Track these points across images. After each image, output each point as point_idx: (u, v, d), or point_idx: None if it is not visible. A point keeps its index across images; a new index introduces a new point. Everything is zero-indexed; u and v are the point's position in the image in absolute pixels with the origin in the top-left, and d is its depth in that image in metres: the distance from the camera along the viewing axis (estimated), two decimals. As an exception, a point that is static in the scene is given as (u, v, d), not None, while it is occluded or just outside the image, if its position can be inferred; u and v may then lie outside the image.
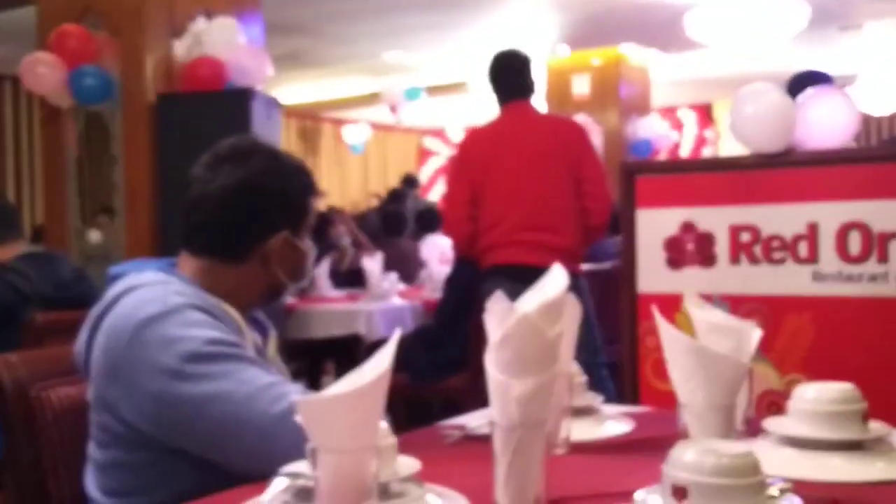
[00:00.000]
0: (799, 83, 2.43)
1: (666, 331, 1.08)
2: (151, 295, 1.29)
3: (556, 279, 1.01)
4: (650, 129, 8.90)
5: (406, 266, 5.70)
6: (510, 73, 3.65)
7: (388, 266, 5.06)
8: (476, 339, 3.76)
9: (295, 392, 1.23)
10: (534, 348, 0.95)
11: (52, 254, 2.81)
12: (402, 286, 5.16)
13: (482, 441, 1.35)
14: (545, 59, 8.75)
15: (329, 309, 4.56)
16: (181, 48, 4.28)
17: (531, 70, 3.70)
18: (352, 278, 5.68)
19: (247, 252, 1.42)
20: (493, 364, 0.95)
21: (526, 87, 3.66)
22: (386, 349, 0.89)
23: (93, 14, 4.26)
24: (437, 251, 5.75)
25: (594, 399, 1.45)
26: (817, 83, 2.44)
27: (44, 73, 4.08)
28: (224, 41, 4.24)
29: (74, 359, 1.36)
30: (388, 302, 4.65)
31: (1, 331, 2.40)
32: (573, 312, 1.25)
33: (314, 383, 4.99)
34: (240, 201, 1.40)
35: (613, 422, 1.43)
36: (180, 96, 4.19)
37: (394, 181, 13.68)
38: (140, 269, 1.39)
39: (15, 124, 9.99)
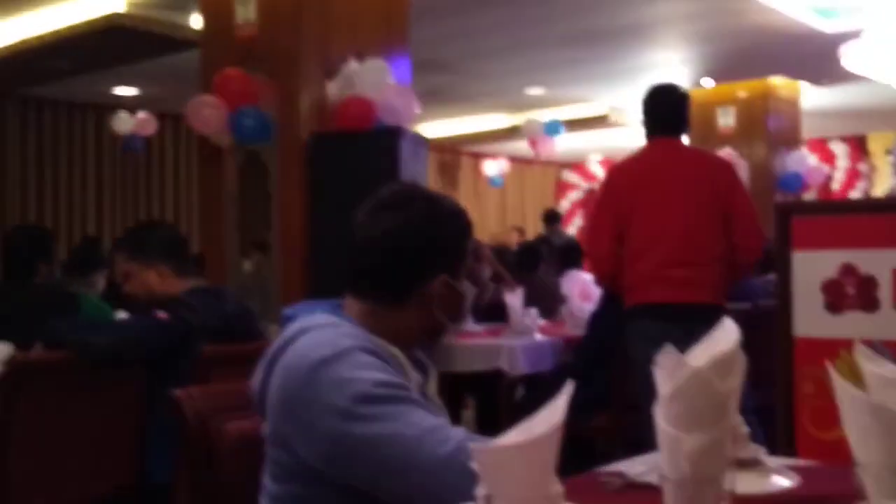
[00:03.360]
0: None
1: (841, 387, 1.05)
2: (323, 337, 1.35)
3: (727, 332, 1.01)
4: (800, 162, 8.61)
5: (545, 301, 5.69)
6: (665, 108, 3.60)
7: (527, 301, 5.06)
8: (619, 380, 3.72)
9: (460, 434, 1.26)
10: (706, 403, 0.95)
11: (220, 288, 2.96)
12: (542, 322, 5.14)
13: (643, 489, 1.35)
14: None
15: (471, 344, 4.59)
16: (333, 89, 4.45)
17: (687, 107, 3.64)
18: (491, 312, 5.71)
19: (408, 295, 1.46)
20: (663, 417, 0.96)
21: (679, 125, 3.61)
22: (559, 400, 0.91)
23: (252, 58, 4.48)
24: (579, 287, 5.71)
25: (757, 451, 1.42)
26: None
27: (208, 114, 4.33)
28: (374, 82, 4.39)
29: (250, 395, 1.43)
30: (529, 338, 4.64)
31: (173, 362, 2.55)
32: (741, 364, 1.23)
33: (454, 418, 5.02)
34: (400, 247, 1.45)
35: (778, 476, 1.40)
36: (332, 135, 4.35)
37: (532, 215, 13.74)
38: (310, 310, 1.46)
39: (175, 160, 10.60)
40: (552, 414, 0.90)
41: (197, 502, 1.45)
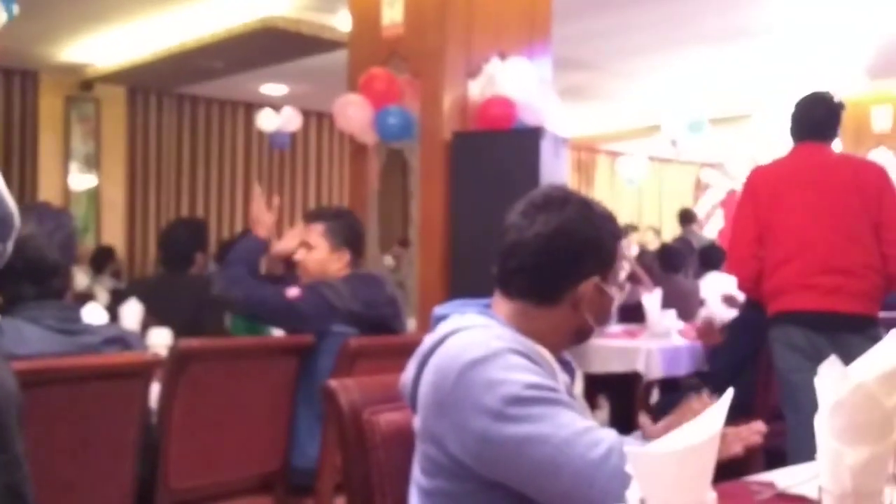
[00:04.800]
0: None
1: None
2: (475, 338, 1.38)
3: (894, 346, 0.98)
4: (961, 165, 8.12)
5: (684, 304, 5.58)
6: (813, 120, 3.49)
7: (664, 303, 4.98)
8: (762, 388, 3.62)
9: (611, 437, 1.27)
10: (870, 417, 0.93)
11: (375, 276, 3.06)
12: (680, 324, 5.05)
13: (794, 501, 1.32)
14: (840, 91, 8.28)
15: (608, 344, 4.55)
16: (476, 88, 4.50)
17: (840, 115, 3.51)
18: (626, 313, 5.63)
19: (559, 297, 1.48)
20: (825, 430, 0.94)
21: (828, 133, 3.49)
22: (718, 408, 0.91)
23: (397, 57, 4.58)
24: (719, 290, 5.58)
25: (917, 468, 1.37)
26: None
27: (353, 113, 4.45)
28: (516, 81, 4.41)
29: (401, 389, 1.48)
30: (667, 341, 4.57)
31: (316, 349, 2.67)
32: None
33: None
34: (555, 248, 1.46)
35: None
36: (474, 134, 4.40)
37: (669, 214, 13.45)
38: (461, 310, 1.49)
39: (318, 156, 10.93)
40: (711, 422, 0.90)
41: (353, 490, 1.51)
